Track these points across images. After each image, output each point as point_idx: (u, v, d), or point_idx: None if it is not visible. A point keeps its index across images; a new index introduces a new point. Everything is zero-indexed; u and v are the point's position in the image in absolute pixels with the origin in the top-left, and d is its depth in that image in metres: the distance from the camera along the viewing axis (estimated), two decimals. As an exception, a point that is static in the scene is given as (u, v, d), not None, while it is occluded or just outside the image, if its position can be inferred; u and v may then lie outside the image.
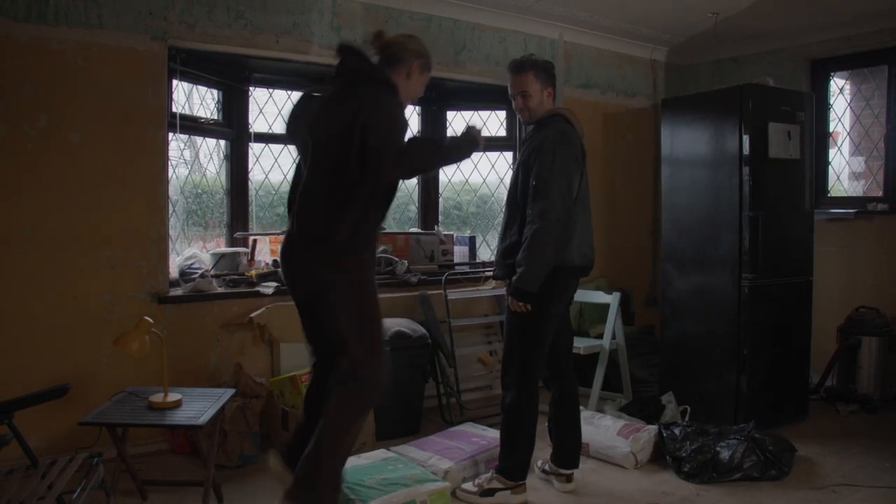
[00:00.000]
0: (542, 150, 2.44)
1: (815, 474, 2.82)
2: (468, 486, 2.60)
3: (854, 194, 4.29)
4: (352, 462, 2.48)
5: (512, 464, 2.56)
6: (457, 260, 4.15)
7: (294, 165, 2.34)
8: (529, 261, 2.40)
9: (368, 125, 1.99)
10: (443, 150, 2.21)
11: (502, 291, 3.38)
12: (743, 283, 3.31)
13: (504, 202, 2.74)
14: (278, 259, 2.56)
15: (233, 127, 3.62)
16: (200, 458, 2.70)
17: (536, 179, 2.41)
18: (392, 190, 2.16)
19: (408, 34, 2.35)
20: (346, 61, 2.21)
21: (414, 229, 4.24)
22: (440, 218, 4.33)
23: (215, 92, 3.60)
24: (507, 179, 4.44)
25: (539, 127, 2.55)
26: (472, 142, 2.22)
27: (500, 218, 4.50)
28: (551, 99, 2.59)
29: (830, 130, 4.35)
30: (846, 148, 4.34)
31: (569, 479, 2.68)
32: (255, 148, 3.70)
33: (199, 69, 3.34)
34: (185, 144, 3.49)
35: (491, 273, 4.03)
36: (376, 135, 1.98)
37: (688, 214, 3.56)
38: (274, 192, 3.87)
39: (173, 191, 3.33)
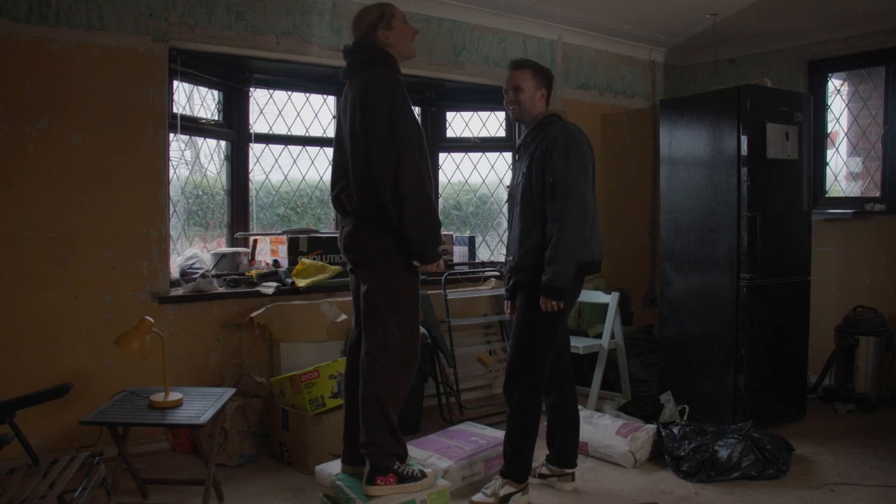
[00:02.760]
0: (553, 147, 2.43)
1: (812, 473, 2.84)
2: (481, 497, 2.56)
3: (851, 195, 4.31)
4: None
5: (520, 465, 2.54)
6: (456, 260, 4.16)
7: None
8: (562, 258, 2.38)
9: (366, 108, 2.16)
10: (430, 214, 2.20)
11: (501, 291, 3.39)
12: (741, 283, 3.32)
13: (505, 202, 2.74)
14: None
15: (233, 128, 3.63)
16: (201, 457, 2.71)
17: (554, 177, 2.41)
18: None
19: (364, 7, 2.32)
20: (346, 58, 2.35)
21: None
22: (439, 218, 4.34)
23: (216, 93, 3.61)
24: (507, 180, 4.46)
25: (541, 127, 2.55)
26: (435, 252, 2.23)
27: (500, 219, 4.55)
28: (544, 101, 2.60)
29: (828, 131, 4.37)
30: (844, 148, 4.36)
31: (573, 477, 2.70)
32: (255, 149, 3.71)
33: (199, 70, 3.35)
34: (186, 145, 3.50)
35: (493, 273, 4.03)
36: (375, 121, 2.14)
37: (686, 215, 3.57)
38: (274, 193, 3.88)
39: (174, 191, 3.34)
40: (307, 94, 3.88)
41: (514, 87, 2.56)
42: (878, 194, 4.13)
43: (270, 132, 3.77)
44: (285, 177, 3.87)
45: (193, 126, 3.42)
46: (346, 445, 2.43)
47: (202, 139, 3.56)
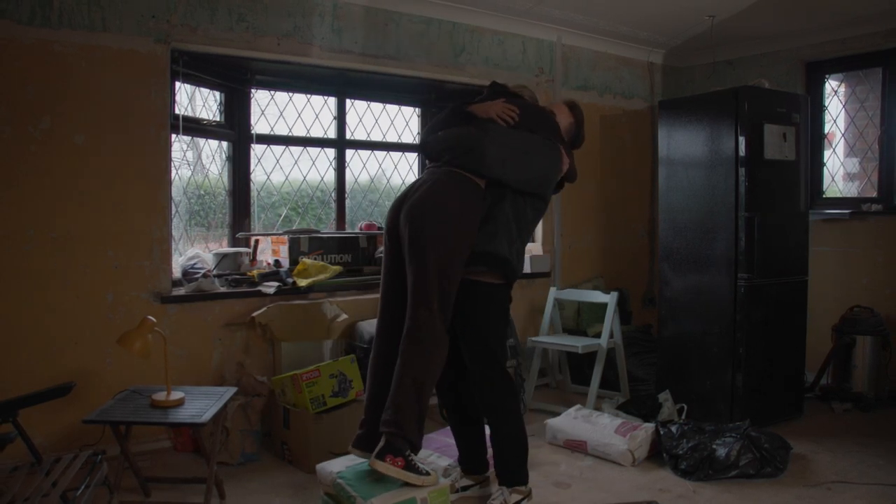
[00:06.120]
0: None
1: (809, 471, 2.86)
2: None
3: (849, 195, 4.33)
4: (352, 459, 2.51)
5: (525, 469, 2.50)
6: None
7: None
8: None
9: None
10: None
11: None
12: (739, 282, 3.34)
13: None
14: None
15: (235, 128, 3.65)
16: (203, 455, 2.73)
17: None
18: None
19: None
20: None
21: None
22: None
23: (217, 94, 3.63)
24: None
25: None
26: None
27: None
28: None
29: (826, 132, 4.39)
30: (841, 149, 4.38)
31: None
32: (256, 149, 3.73)
33: (201, 71, 3.37)
34: (188, 146, 3.52)
35: None
36: None
37: (684, 215, 3.59)
38: (276, 193, 3.90)
39: (176, 191, 3.36)
40: (308, 95, 3.90)
41: (550, 112, 2.66)
42: (875, 195, 4.15)
43: (272, 133, 3.79)
44: (286, 177, 3.89)
45: (195, 127, 3.44)
46: (364, 430, 2.42)
47: (204, 140, 3.58)
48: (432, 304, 2.27)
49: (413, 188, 2.41)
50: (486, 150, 2.35)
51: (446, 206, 2.32)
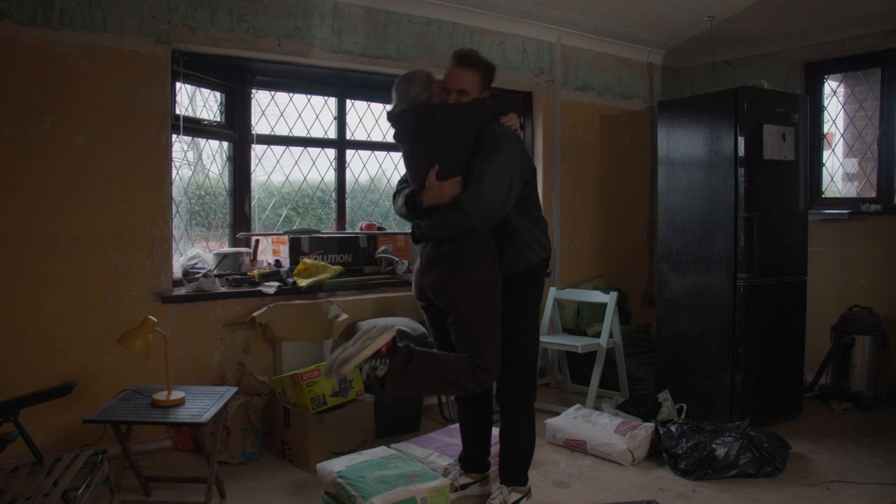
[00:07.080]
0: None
1: (808, 471, 2.86)
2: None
3: (847, 195, 4.34)
4: (352, 459, 2.52)
5: (527, 466, 2.51)
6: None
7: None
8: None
9: None
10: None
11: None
12: (738, 282, 3.35)
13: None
14: None
15: (235, 129, 3.65)
16: (203, 455, 2.73)
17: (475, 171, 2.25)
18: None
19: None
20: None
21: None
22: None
23: (218, 94, 3.63)
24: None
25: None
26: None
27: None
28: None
29: (825, 132, 4.40)
30: (840, 149, 4.39)
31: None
32: (257, 149, 3.74)
33: (201, 72, 3.37)
34: (189, 146, 3.53)
35: None
36: None
37: (684, 215, 3.60)
38: (276, 193, 3.90)
39: (177, 192, 3.37)
40: (308, 96, 3.90)
41: (460, 91, 2.30)
42: (873, 195, 4.16)
43: (272, 133, 3.80)
44: (287, 177, 3.90)
45: (196, 127, 3.45)
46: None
47: (205, 140, 3.58)
48: (481, 358, 2.33)
49: (429, 260, 2.40)
50: (482, 223, 2.26)
51: (468, 275, 2.33)
